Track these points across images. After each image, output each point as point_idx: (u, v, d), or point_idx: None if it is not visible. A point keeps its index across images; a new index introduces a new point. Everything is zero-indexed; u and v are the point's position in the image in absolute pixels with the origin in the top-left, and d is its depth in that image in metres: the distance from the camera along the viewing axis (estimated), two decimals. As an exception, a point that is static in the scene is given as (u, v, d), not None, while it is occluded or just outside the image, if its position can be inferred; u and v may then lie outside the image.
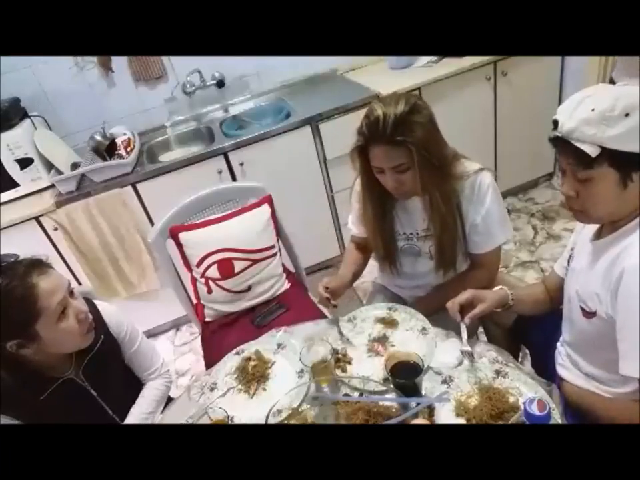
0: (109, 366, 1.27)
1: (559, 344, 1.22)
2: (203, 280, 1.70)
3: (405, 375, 1.01)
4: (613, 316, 0.95)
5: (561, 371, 1.19)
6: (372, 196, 1.34)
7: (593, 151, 0.87)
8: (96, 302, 1.29)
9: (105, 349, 1.24)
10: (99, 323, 1.22)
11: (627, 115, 0.85)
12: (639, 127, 0.85)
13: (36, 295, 1.04)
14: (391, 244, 1.41)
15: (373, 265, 1.58)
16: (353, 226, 1.54)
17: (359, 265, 1.53)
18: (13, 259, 1.10)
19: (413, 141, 1.15)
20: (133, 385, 1.37)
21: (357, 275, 1.51)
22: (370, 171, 1.27)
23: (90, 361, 1.20)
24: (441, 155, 1.22)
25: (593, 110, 0.87)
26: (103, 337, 1.23)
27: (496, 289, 1.22)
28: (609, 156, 0.87)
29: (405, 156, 1.17)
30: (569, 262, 1.15)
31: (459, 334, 1.16)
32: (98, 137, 2.30)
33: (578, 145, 0.88)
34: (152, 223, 2.25)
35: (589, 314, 1.03)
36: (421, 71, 2.51)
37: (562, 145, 0.92)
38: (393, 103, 1.16)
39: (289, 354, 1.27)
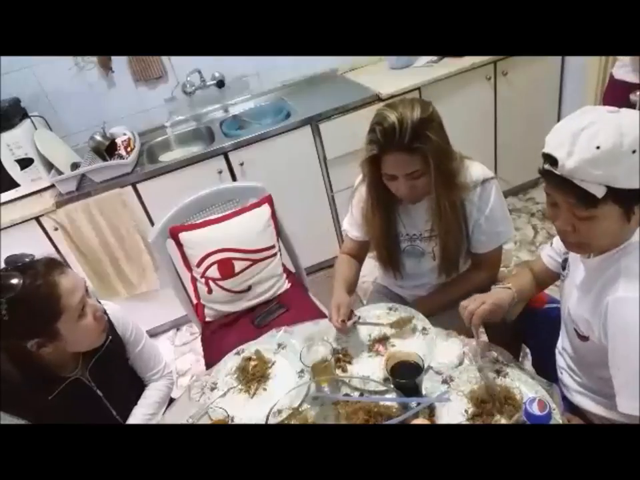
0: (114, 366, 1.27)
1: (557, 351, 1.21)
2: (203, 280, 1.70)
3: (405, 375, 1.01)
4: (606, 345, 0.92)
5: (563, 389, 1.16)
6: (379, 203, 1.32)
7: (599, 192, 0.80)
8: (102, 302, 1.28)
9: (112, 349, 1.23)
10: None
11: (634, 151, 0.78)
12: None
13: (59, 293, 1.04)
14: (395, 247, 1.41)
15: (373, 265, 1.58)
16: (352, 229, 1.47)
17: (353, 276, 1.47)
18: (28, 259, 1.09)
19: (429, 147, 1.13)
20: (136, 386, 1.37)
21: (354, 285, 1.48)
22: (379, 179, 1.25)
23: (97, 360, 1.20)
24: (451, 161, 1.22)
25: (598, 148, 0.78)
26: (110, 336, 1.23)
27: (500, 286, 1.17)
28: (614, 194, 0.80)
29: (420, 162, 1.16)
30: (564, 267, 1.12)
31: (459, 334, 1.16)
32: (98, 137, 2.29)
33: (583, 185, 0.80)
34: (152, 223, 2.25)
35: (582, 337, 1.01)
36: (421, 70, 2.51)
37: (560, 182, 0.83)
38: (408, 109, 1.13)
39: (289, 354, 1.27)
